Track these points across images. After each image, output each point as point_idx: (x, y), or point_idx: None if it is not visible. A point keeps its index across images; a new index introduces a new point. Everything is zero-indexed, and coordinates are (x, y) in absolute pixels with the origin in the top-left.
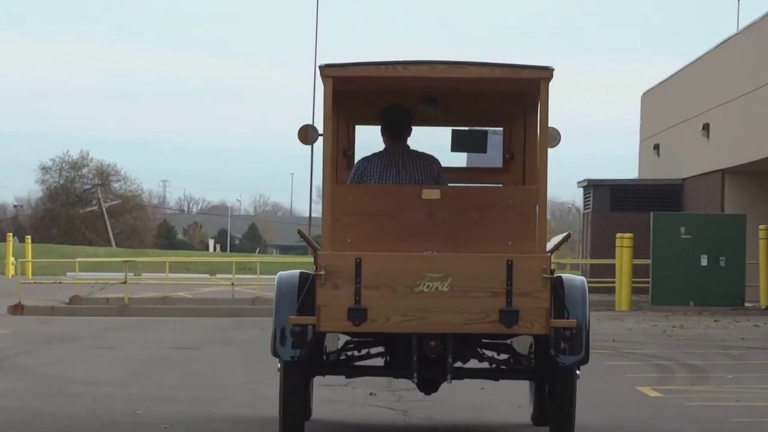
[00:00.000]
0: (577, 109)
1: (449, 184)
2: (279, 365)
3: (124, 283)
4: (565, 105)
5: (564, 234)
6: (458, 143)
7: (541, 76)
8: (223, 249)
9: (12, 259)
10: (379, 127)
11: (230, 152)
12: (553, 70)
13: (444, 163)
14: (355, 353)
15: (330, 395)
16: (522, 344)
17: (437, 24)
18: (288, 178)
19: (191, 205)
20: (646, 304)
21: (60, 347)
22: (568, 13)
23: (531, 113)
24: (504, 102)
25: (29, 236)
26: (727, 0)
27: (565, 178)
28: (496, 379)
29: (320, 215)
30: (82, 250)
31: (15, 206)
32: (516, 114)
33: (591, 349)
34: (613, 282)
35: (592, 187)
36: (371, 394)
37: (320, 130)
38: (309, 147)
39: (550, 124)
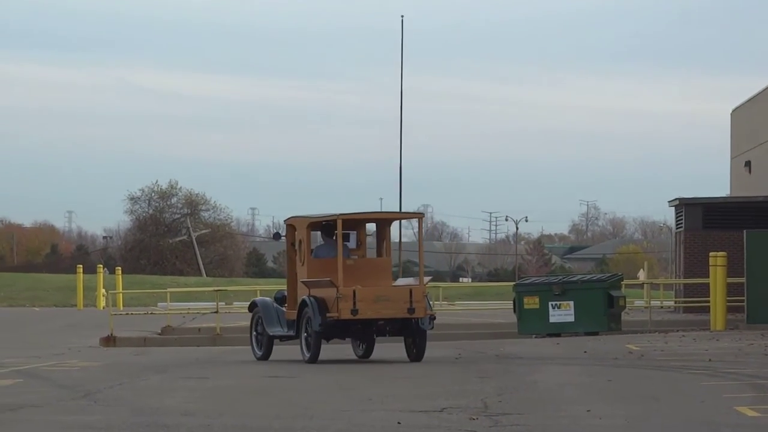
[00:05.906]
0: (667, 130)
1: (353, 257)
2: (316, 330)
3: (216, 312)
4: (656, 126)
5: (429, 277)
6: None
7: (418, 216)
8: None
9: (103, 290)
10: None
11: (318, 178)
12: (423, 214)
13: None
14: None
15: (428, 421)
16: None
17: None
18: (377, 204)
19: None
20: (741, 323)
21: (153, 378)
22: (651, 33)
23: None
24: (390, 221)
25: (119, 267)
26: None
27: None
28: (397, 335)
29: (406, 240)
30: (173, 280)
31: (104, 237)
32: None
33: (687, 370)
34: (708, 301)
35: (684, 205)
36: (472, 419)
37: (282, 233)
38: (398, 172)
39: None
